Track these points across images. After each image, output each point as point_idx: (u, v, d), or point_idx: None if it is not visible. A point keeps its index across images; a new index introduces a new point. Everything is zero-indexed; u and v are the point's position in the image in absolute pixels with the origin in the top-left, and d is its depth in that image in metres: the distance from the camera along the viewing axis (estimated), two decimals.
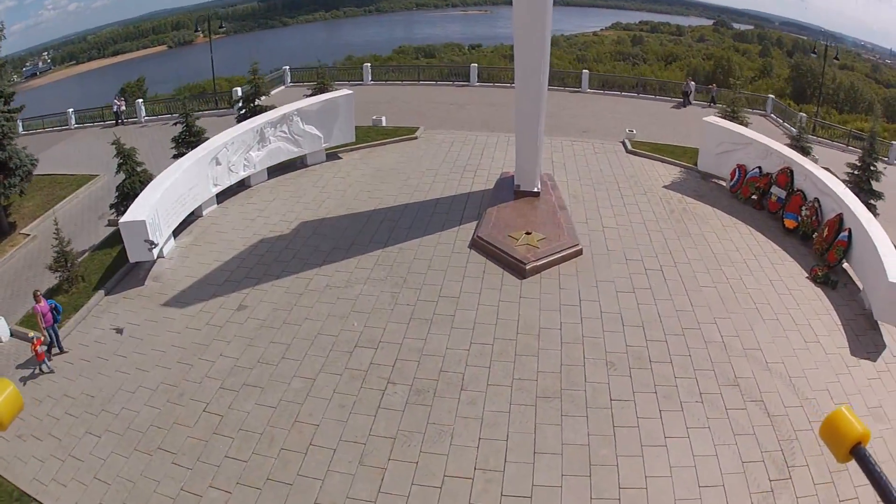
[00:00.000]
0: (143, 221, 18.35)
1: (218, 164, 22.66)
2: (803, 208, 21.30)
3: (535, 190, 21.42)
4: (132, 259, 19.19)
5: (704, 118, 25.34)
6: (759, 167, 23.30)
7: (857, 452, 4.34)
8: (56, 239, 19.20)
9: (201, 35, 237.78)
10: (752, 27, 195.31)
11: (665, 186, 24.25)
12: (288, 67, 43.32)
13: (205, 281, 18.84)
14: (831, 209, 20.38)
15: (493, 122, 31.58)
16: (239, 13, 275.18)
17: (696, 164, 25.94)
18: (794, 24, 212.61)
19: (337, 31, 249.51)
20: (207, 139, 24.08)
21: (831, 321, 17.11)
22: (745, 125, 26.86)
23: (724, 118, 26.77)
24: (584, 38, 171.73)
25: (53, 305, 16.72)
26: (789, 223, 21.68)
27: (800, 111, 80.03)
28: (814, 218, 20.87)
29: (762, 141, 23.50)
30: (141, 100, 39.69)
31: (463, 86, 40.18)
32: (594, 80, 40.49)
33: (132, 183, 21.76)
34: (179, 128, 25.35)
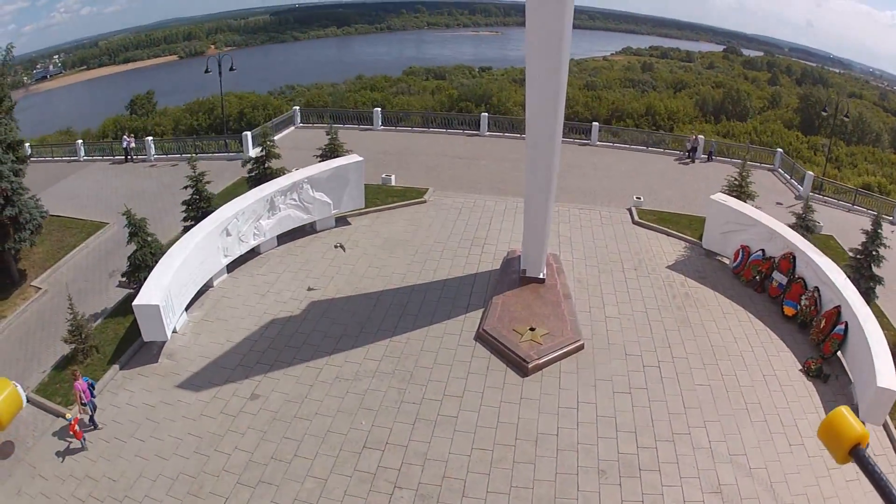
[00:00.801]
0: (157, 306, 18.84)
1: (228, 234, 23.13)
2: (803, 297, 21.68)
3: (541, 276, 21.81)
4: (146, 339, 19.74)
5: (711, 196, 25.53)
6: (763, 250, 23.66)
7: (857, 454, 4.33)
8: (70, 312, 19.66)
9: (212, 47, 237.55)
10: (761, 53, 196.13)
11: (668, 266, 24.61)
12: (298, 108, 43.94)
13: (217, 363, 19.30)
14: (830, 300, 20.76)
15: (502, 183, 32.03)
16: (251, 26, 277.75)
17: (700, 239, 26.29)
18: (803, 50, 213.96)
19: (347, 48, 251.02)
20: (218, 206, 24.58)
21: (818, 420, 17.42)
22: (752, 196, 27.18)
23: (731, 192, 27.03)
24: (594, 63, 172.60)
25: (89, 382, 17.43)
26: (788, 311, 22.06)
27: (812, 145, 79.90)
28: (812, 307, 21.27)
29: (767, 223, 23.81)
30: (150, 137, 40.14)
31: (473, 135, 40.66)
32: (604, 132, 40.74)
33: (143, 255, 22.18)
34: (188, 170, 25.55)
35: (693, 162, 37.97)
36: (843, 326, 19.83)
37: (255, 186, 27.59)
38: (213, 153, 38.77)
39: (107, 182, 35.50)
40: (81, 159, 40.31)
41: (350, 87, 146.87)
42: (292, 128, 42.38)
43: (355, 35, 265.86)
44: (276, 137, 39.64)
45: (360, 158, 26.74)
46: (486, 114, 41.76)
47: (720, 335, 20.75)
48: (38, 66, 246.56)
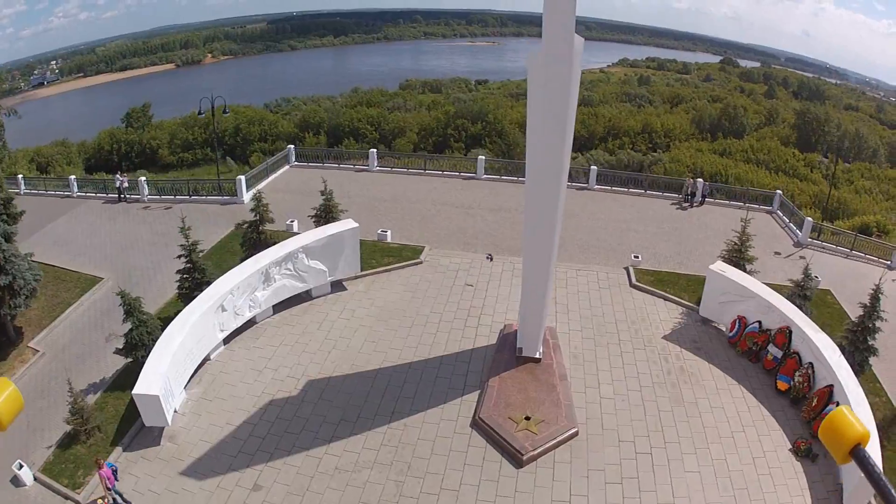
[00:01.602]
0: (157, 397, 19.00)
1: (224, 310, 23.18)
2: (797, 373, 21.82)
3: (538, 357, 21.95)
4: (147, 424, 19.94)
5: (710, 266, 25.45)
6: (759, 322, 23.78)
7: (857, 454, 4.35)
8: (70, 394, 19.78)
9: (209, 56, 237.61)
10: (758, 64, 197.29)
11: (665, 337, 24.75)
12: (293, 147, 44.01)
13: (219, 450, 19.39)
14: (823, 378, 20.94)
15: (498, 238, 32.15)
16: (248, 34, 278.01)
17: (697, 303, 26.41)
18: (800, 61, 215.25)
19: (344, 59, 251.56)
20: (212, 275, 24.74)
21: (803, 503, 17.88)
22: (751, 260, 27.25)
23: (731, 254, 27.09)
24: (590, 75, 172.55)
25: (113, 468, 17.77)
26: (782, 385, 22.21)
27: (809, 163, 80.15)
28: (805, 384, 21.47)
29: (765, 296, 23.87)
30: (144, 178, 40.18)
31: (469, 178, 40.75)
32: (601, 176, 40.88)
33: (140, 334, 22.26)
34: (182, 214, 25.69)
35: (691, 206, 38.15)
36: (833, 407, 20.01)
37: (250, 250, 27.78)
38: (206, 195, 38.79)
39: (100, 226, 35.48)
40: (75, 195, 40.34)
41: (346, 101, 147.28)
42: (287, 167, 42.42)
43: (352, 45, 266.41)
44: (270, 178, 39.80)
45: (356, 225, 26.71)
46: (483, 157, 41.79)
47: (713, 414, 20.90)
48: (35, 72, 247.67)
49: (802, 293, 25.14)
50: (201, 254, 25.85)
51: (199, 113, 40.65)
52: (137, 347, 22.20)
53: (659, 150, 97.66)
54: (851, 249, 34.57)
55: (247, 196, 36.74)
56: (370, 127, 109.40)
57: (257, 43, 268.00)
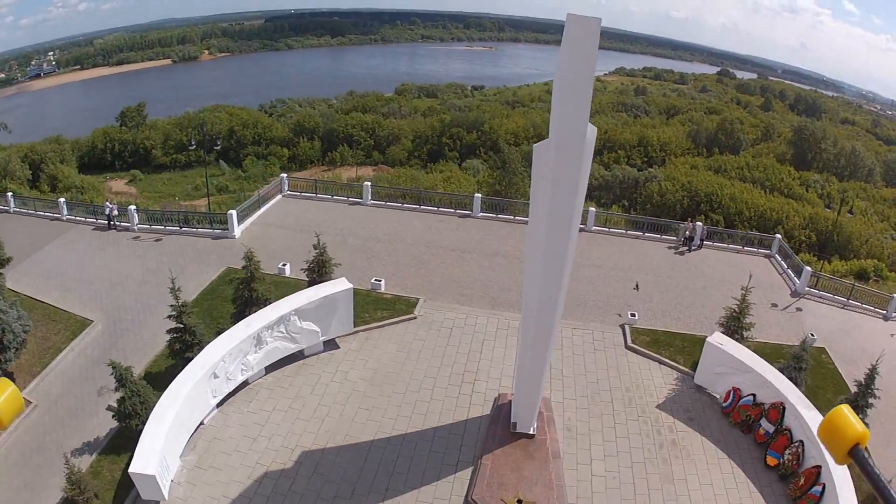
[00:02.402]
0: (153, 476, 19.04)
1: (216, 377, 23.11)
2: (787, 451, 21.99)
3: (531, 432, 21.95)
4: (144, 497, 19.90)
5: (708, 338, 25.50)
6: (754, 395, 23.87)
7: (856, 454, 4.34)
8: (66, 467, 19.75)
9: (206, 52, 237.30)
10: (755, 75, 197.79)
11: (659, 406, 24.85)
12: (285, 175, 43.86)
13: None
14: (812, 457, 21.13)
15: (494, 289, 32.11)
16: (245, 31, 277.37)
17: (693, 368, 26.52)
18: (796, 73, 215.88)
19: (340, 60, 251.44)
20: (203, 337, 24.70)
21: None
22: (749, 328, 27.29)
23: (729, 324, 27.14)
24: None
25: None
26: (771, 461, 22.42)
27: (804, 181, 79.81)
28: (795, 462, 21.70)
29: (760, 371, 23.89)
30: (133, 206, 39.93)
31: (465, 216, 40.65)
32: (600, 217, 40.86)
33: (133, 404, 22.17)
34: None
35: (689, 251, 38.18)
36: (820, 488, 20.29)
37: (242, 307, 27.65)
38: (197, 227, 38.51)
39: (90, 257, 35.18)
40: (64, 218, 40.02)
41: (342, 104, 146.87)
42: (279, 196, 42.18)
43: (349, 45, 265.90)
44: (262, 209, 39.55)
45: (349, 286, 26.44)
46: (479, 195, 41.67)
47: (701, 492, 21.13)
48: (32, 63, 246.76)
49: (798, 366, 25.21)
50: (191, 300, 25.68)
51: (189, 145, 40.29)
52: (131, 416, 22.15)
53: (654, 164, 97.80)
54: (848, 299, 34.72)
55: (238, 230, 36.63)
56: (365, 133, 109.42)
57: (254, 41, 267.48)
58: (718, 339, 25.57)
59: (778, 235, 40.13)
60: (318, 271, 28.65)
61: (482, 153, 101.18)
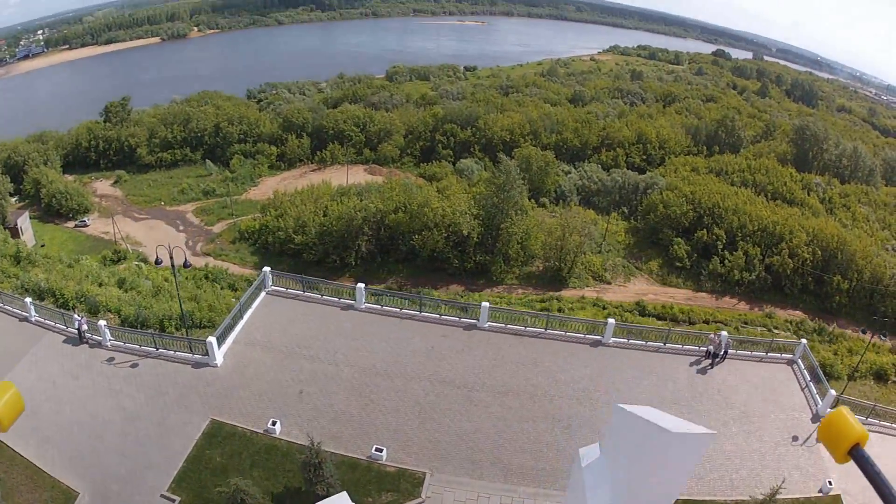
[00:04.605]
0: None
1: None
2: None
3: None
4: None
5: None
6: None
7: (856, 454, 4.33)
8: None
9: (195, 29, 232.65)
10: (749, 55, 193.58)
11: None
12: (269, 269, 40.90)
13: None
14: None
15: (506, 451, 29.56)
16: (234, 4, 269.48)
17: None
18: (790, 52, 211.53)
19: (331, 36, 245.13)
20: None
21: None
22: None
23: None
24: (580, 63, 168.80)
25: None
26: None
27: (806, 184, 77.90)
28: None
29: None
30: (104, 322, 37.16)
31: (471, 327, 37.54)
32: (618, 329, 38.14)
33: None
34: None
35: (712, 367, 36.17)
36: None
37: None
38: (175, 351, 35.70)
39: (65, 388, 32.46)
40: (32, 320, 37.47)
41: (333, 89, 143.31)
42: (263, 294, 38.98)
43: (340, 20, 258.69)
44: (245, 319, 36.40)
45: None
46: (487, 303, 38.59)
47: None
48: (21, 44, 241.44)
49: None
50: (175, 472, 23.72)
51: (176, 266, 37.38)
52: None
53: (654, 163, 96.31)
54: (867, 418, 33.30)
55: (219, 356, 33.98)
56: (356, 129, 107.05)
57: (243, 16, 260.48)
58: None
59: (803, 340, 38.12)
60: (314, 474, 26.19)
61: (476, 151, 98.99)
